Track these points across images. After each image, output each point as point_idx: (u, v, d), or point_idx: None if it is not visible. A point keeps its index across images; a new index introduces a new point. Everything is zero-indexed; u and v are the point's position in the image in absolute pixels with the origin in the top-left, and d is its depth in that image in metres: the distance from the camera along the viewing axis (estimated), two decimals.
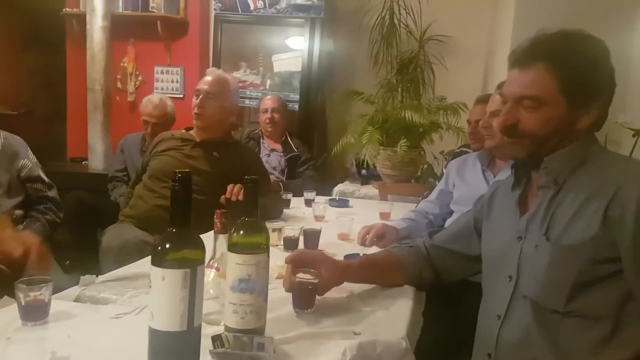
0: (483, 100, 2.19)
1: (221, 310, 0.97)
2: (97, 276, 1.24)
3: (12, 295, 1.43)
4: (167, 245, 0.75)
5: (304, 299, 1.11)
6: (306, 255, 1.24)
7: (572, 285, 0.99)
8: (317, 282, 1.12)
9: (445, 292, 1.45)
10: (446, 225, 1.90)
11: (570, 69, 1.03)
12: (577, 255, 0.99)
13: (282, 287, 1.25)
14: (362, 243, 1.75)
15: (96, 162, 3.77)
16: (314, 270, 1.15)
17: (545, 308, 1.03)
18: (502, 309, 1.11)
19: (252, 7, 3.93)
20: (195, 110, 2.15)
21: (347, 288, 1.27)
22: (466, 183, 2.01)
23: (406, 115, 2.91)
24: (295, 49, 3.94)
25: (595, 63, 1.05)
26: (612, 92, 1.07)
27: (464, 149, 2.60)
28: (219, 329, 0.93)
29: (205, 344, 0.84)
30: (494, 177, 1.92)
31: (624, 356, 0.98)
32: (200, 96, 2.14)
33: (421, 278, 1.33)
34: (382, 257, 1.39)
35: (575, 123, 1.05)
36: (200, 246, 0.78)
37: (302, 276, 1.12)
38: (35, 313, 0.98)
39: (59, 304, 1.06)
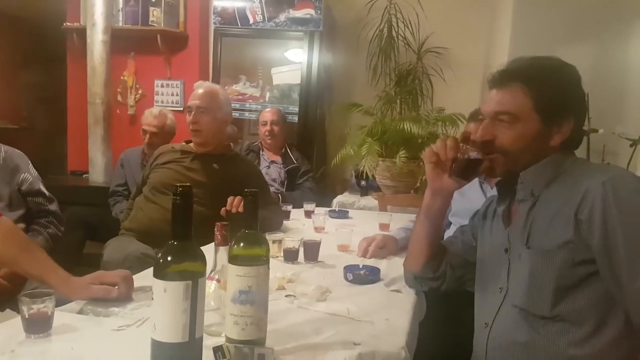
0: (476, 117, 2.21)
1: (222, 322, 0.98)
2: None
3: (14, 308, 1.44)
4: (169, 258, 0.76)
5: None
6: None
7: (555, 289, 1.03)
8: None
9: (444, 303, 1.46)
10: (445, 236, 1.91)
11: (544, 89, 1.11)
12: (555, 259, 1.04)
13: (283, 298, 1.27)
14: (364, 255, 1.75)
15: (97, 175, 3.78)
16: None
17: (533, 315, 1.07)
18: (490, 317, 1.15)
19: (251, 21, 3.97)
20: (192, 127, 2.16)
21: (347, 299, 1.29)
22: (463, 196, 2.02)
23: (405, 126, 2.93)
24: (294, 61, 3.98)
25: (567, 85, 1.13)
26: (584, 115, 1.16)
27: None
28: (220, 340, 0.94)
29: (207, 355, 0.85)
30: (492, 189, 1.93)
31: (605, 354, 1.02)
32: (193, 112, 2.16)
33: (439, 269, 1.34)
34: None
35: (548, 140, 1.12)
36: (201, 259, 0.79)
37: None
38: (38, 326, 0.99)
39: (62, 316, 1.07)
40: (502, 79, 1.15)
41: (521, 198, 1.15)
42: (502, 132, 1.13)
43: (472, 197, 1.94)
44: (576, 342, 1.03)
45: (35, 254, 1.31)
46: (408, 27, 3.76)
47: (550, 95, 1.11)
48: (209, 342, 0.90)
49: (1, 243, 1.36)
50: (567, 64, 1.15)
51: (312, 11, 3.85)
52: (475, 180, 2.01)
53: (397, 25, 3.76)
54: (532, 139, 1.11)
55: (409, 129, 2.91)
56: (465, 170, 1.17)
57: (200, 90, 2.21)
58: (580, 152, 1.21)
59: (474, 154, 1.15)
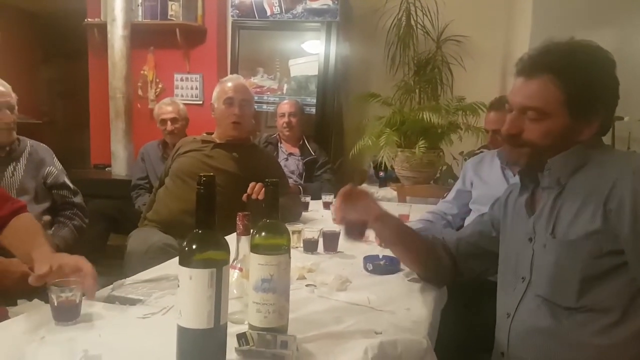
0: (496, 106, 2.19)
1: (244, 310, 0.99)
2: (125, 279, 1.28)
3: (42, 298, 1.48)
4: (194, 247, 0.78)
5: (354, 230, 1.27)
6: (355, 191, 1.33)
7: (581, 279, 1.01)
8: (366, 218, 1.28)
9: (466, 292, 1.46)
10: (465, 223, 1.90)
11: (576, 82, 1.06)
12: (581, 250, 1.01)
13: (304, 288, 1.28)
14: (379, 243, 1.76)
15: (119, 168, 3.85)
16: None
17: (558, 305, 1.04)
18: (512, 307, 1.13)
19: (268, 13, 3.97)
20: (236, 120, 2.18)
21: (367, 289, 1.29)
22: (485, 182, 2.01)
23: (424, 116, 2.90)
24: (311, 53, 3.97)
25: (601, 77, 1.07)
26: (615, 104, 1.11)
27: (484, 150, 2.59)
28: (243, 328, 0.96)
29: (230, 342, 0.86)
30: (514, 175, 1.91)
31: (631, 343, 1.00)
32: (238, 105, 2.18)
33: (441, 265, 1.34)
34: (416, 232, 1.45)
35: (577, 135, 1.09)
36: (225, 247, 0.80)
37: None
38: (67, 313, 1.02)
39: (89, 304, 1.09)
40: (531, 67, 1.09)
41: (546, 185, 1.12)
42: (529, 126, 1.09)
43: (493, 183, 1.93)
44: (601, 331, 1.01)
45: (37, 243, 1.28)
46: (427, 16, 3.72)
47: (582, 89, 1.05)
48: (232, 330, 0.91)
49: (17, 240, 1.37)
50: (601, 49, 1.08)
51: (329, 1, 3.82)
52: (497, 166, 1.99)
53: (416, 14, 3.72)
54: (560, 134, 1.07)
55: (428, 119, 2.88)
56: (351, 233, 1.16)
57: (239, 83, 2.24)
58: (605, 140, 1.19)
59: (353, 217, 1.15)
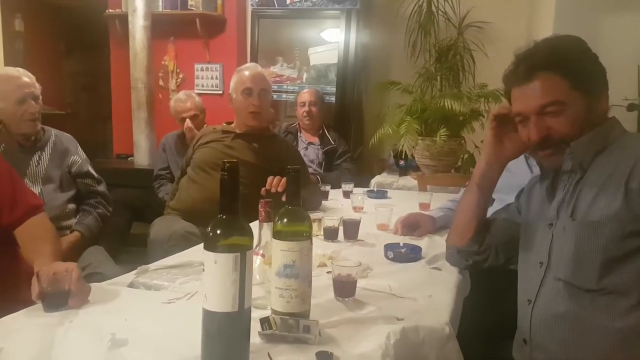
0: None
1: (267, 296, 1.01)
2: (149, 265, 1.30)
3: None
4: (218, 232, 0.79)
5: (345, 288, 1.13)
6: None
7: (602, 261, 1.01)
8: (355, 273, 1.14)
9: (488, 280, 1.44)
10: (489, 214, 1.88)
11: (570, 65, 1.10)
12: (602, 231, 1.01)
13: (324, 275, 1.29)
14: (397, 233, 1.76)
15: (141, 158, 3.90)
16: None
17: (578, 287, 1.04)
18: (533, 293, 1.13)
19: (288, 1, 3.96)
20: (254, 109, 2.17)
21: (388, 276, 1.29)
22: (508, 171, 1.97)
23: (445, 104, 2.86)
24: (331, 41, 3.95)
25: (587, 55, 1.12)
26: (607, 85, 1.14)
27: None
28: (266, 313, 0.97)
29: (254, 327, 0.87)
30: (538, 165, 1.88)
31: None
32: (257, 95, 2.17)
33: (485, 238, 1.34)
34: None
35: (596, 109, 1.11)
36: (249, 233, 0.81)
37: (341, 267, 1.14)
38: (54, 300, 1.02)
39: (113, 290, 1.12)
40: (525, 73, 1.12)
41: (569, 169, 1.12)
42: (554, 123, 1.10)
43: (517, 172, 1.89)
44: (622, 314, 1.00)
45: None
46: (448, 2, 3.66)
47: (578, 66, 1.09)
48: (255, 315, 0.92)
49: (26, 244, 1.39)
50: (578, 38, 1.15)
51: None
52: (521, 155, 1.96)
53: (437, 0, 3.66)
54: (584, 116, 1.09)
55: (449, 106, 2.84)
56: (341, 292, 1.12)
57: (257, 72, 2.23)
58: (631, 128, 1.17)
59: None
